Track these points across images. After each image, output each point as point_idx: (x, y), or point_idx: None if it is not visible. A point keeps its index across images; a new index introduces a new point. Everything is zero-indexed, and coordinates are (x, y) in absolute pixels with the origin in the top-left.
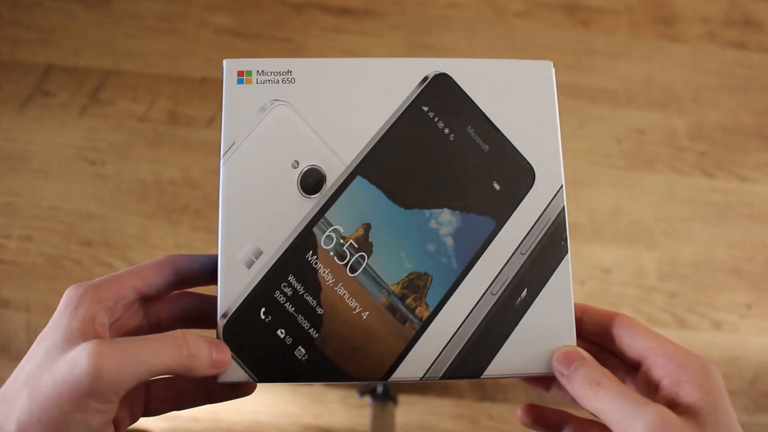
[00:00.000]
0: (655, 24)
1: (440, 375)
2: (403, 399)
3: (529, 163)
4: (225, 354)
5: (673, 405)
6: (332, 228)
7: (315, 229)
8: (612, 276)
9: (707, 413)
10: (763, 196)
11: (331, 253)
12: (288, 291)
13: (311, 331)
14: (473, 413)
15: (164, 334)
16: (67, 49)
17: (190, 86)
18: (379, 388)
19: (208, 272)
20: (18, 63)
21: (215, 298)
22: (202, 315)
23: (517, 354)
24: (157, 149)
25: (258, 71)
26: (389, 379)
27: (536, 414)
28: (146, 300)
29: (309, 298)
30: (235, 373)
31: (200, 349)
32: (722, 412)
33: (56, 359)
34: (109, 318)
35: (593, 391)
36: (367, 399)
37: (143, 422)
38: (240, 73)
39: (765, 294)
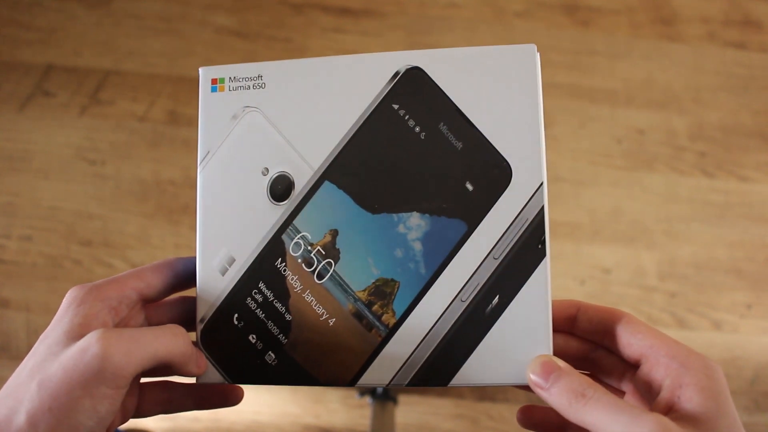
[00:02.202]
0: (655, 24)
1: (407, 382)
2: (403, 399)
3: (505, 160)
4: (201, 358)
5: (674, 409)
6: (300, 235)
7: (284, 237)
8: (612, 276)
9: (709, 419)
10: (763, 196)
11: (299, 260)
12: (258, 298)
13: (280, 336)
14: (473, 413)
15: (164, 326)
16: (67, 49)
17: (190, 86)
18: (379, 389)
19: None
20: (18, 63)
21: None
22: None
23: (488, 363)
24: (157, 149)
25: (230, 78)
26: (356, 384)
27: (536, 416)
28: (147, 302)
29: (278, 305)
30: (212, 374)
31: (192, 347)
32: (724, 418)
33: (62, 351)
34: (112, 318)
35: (580, 404)
36: (367, 399)
37: (143, 422)
38: (213, 81)
39: (765, 294)
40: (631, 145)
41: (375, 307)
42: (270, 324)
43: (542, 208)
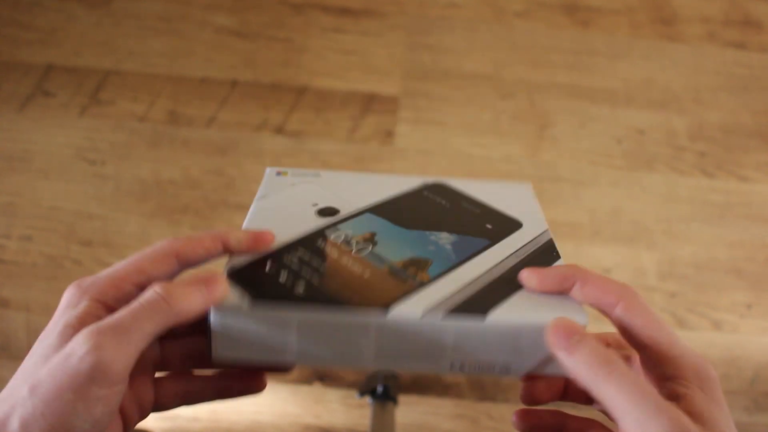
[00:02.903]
0: (655, 24)
1: (441, 316)
2: (403, 399)
3: (517, 219)
4: (218, 283)
5: (679, 406)
6: (342, 230)
7: (326, 231)
8: (612, 276)
9: (710, 419)
10: (763, 196)
11: (339, 242)
12: (294, 258)
13: (313, 279)
14: (473, 413)
15: (142, 296)
16: (67, 49)
17: (190, 86)
18: (379, 388)
19: (212, 256)
20: (18, 63)
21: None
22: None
23: (527, 303)
24: (157, 149)
25: (293, 172)
26: (387, 316)
27: (532, 418)
28: None
29: (315, 262)
30: (230, 298)
31: (184, 293)
32: (725, 419)
33: (54, 354)
34: (109, 315)
35: (606, 372)
36: (367, 399)
37: (143, 422)
38: (279, 172)
39: (765, 294)
40: (631, 145)
41: (410, 270)
42: (303, 270)
43: (551, 239)
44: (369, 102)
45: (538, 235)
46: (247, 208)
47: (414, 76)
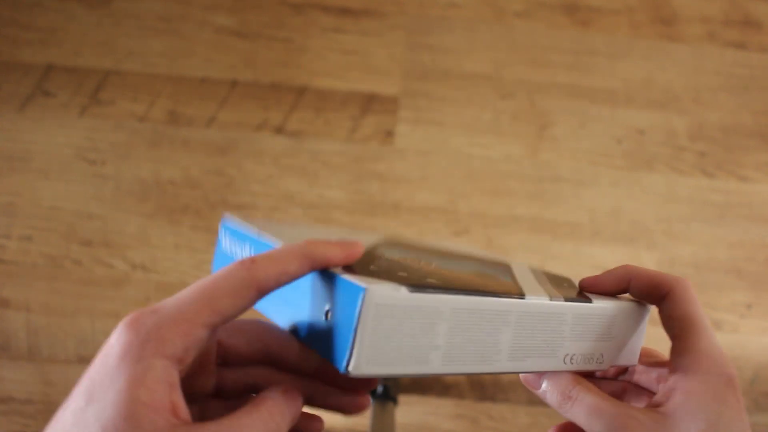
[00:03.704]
0: (655, 24)
1: (563, 300)
2: (403, 399)
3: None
4: (356, 244)
5: (661, 407)
6: (383, 252)
7: (370, 251)
8: None
9: (687, 417)
10: (763, 196)
11: (398, 257)
12: (383, 263)
13: (426, 278)
14: (473, 413)
15: (252, 405)
16: (67, 49)
17: (190, 86)
18: (379, 388)
19: (297, 278)
20: (18, 63)
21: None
22: (281, 351)
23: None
24: (157, 149)
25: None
26: (525, 299)
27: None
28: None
29: (405, 269)
30: (383, 287)
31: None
32: (720, 421)
33: None
34: (178, 377)
35: (568, 405)
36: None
37: None
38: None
39: (765, 294)
40: (631, 145)
41: (496, 274)
42: (409, 271)
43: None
44: (369, 102)
45: (532, 268)
46: (248, 208)
47: (414, 76)
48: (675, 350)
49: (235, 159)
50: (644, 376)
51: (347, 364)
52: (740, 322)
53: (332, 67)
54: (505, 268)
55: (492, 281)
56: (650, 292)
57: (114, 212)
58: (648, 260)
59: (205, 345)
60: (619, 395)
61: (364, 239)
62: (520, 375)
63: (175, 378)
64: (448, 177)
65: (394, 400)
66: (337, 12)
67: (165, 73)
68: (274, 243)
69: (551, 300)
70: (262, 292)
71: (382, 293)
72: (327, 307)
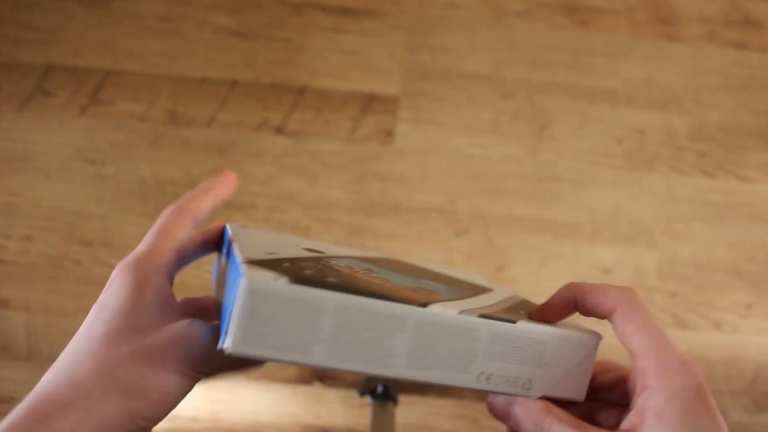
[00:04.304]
0: (655, 24)
1: (477, 315)
2: (403, 399)
3: (485, 285)
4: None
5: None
6: (338, 262)
7: (323, 259)
8: (612, 276)
9: None
10: (763, 196)
11: (342, 265)
12: (309, 264)
13: (341, 279)
14: (473, 413)
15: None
16: (67, 49)
17: (190, 86)
18: (379, 388)
19: (215, 206)
20: (18, 63)
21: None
22: None
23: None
24: (157, 149)
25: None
26: (427, 309)
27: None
28: None
29: (332, 272)
30: (264, 274)
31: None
32: None
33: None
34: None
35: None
36: (367, 399)
37: None
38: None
39: (765, 294)
40: (631, 145)
41: (427, 290)
42: (327, 272)
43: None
44: (369, 102)
45: (512, 296)
46: (248, 208)
47: (414, 76)
48: (637, 367)
49: (235, 159)
50: (610, 394)
51: (224, 342)
52: (740, 322)
53: (332, 67)
54: (468, 289)
55: (411, 292)
56: (597, 309)
57: (114, 212)
58: (648, 260)
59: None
60: (591, 416)
61: (349, 254)
62: (488, 405)
63: (166, 286)
64: (448, 177)
65: (394, 400)
66: (337, 12)
67: (165, 73)
68: (238, 255)
69: (459, 314)
70: (193, 219)
71: (260, 280)
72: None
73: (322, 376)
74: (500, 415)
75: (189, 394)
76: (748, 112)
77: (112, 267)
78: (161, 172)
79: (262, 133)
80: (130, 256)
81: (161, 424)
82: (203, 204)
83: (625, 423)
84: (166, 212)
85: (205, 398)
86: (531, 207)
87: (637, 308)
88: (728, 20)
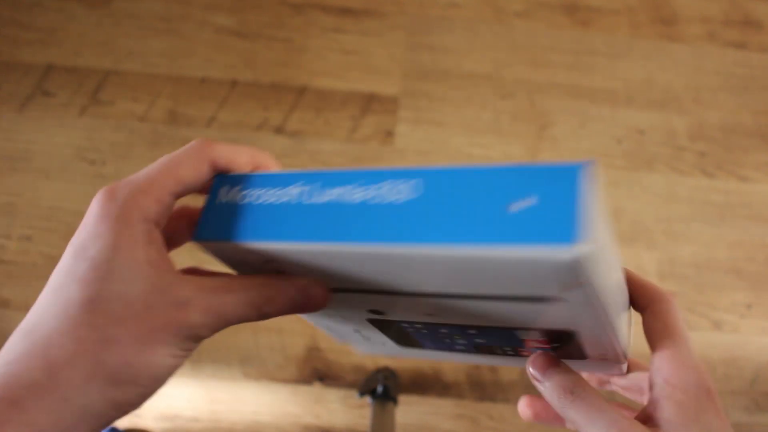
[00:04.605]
0: (655, 24)
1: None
2: (403, 399)
3: None
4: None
5: (652, 421)
6: None
7: None
8: None
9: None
10: (763, 196)
11: None
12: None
13: None
14: (473, 413)
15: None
16: (67, 49)
17: (191, 86)
18: (379, 388)
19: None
20: (18, 63)
21: None
22: None
23: None
24: (157, 149)
25: None
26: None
27: (538, 405)
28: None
29: None
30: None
31: (280, 307)
32: None
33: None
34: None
35: (568, 401)
36: (367, 399)
37: (143, 422)
38: None
39: (765, 294)
40: (631, 145)
41: None
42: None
43: None
44: (369, 102)
45: None
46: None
47: (414, 76)
48: (656, 360)
49: None
50: (623, 382)
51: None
52: (740, 322)
53: (332, 67)
54: None
55: None
56: (635, 299)
57: None
58: (648, 260)
59: (169, 213)
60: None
61: None
62: (527, 367)
63: (158, 237)
64: None
65: (394, 400)
66: (337, 12)
67: (165, 73)
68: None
69: None
70: (214, 168)
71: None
72: None
73: (322, 376)
74: (535, 377)
75: (189, 394)
76: (748, 112)
77: None
78: None
79: (262, 133)
80: (121, 187)
81: (161, 424)
82: (238, 158)
83: (641, 412)
84: (189, 145)
85: (205, 398)
86: None
87: (672, 310)
88: (728, 20)
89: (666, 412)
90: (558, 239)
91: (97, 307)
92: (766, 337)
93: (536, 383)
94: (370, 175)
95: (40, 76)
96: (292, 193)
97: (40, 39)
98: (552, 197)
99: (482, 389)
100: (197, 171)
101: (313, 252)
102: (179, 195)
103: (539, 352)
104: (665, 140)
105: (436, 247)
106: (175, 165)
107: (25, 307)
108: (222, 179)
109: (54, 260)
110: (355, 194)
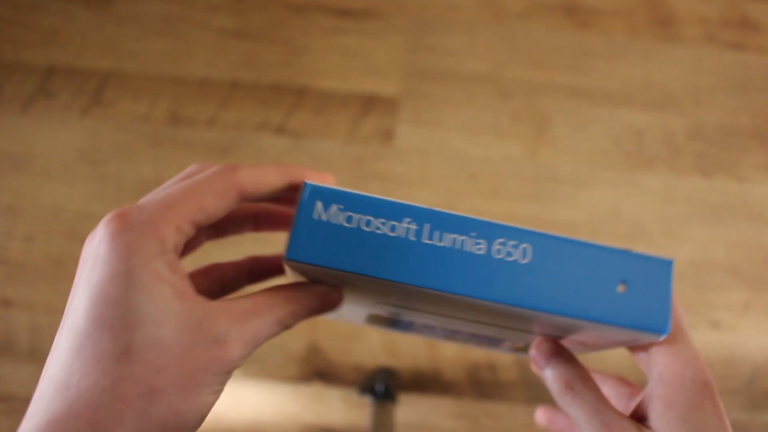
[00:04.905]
0: (653, 25)
1: None
2: (403, 398)
3: None
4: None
5: (645, 420)
6: None
7: None
8: None
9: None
10: (761, 196)
11: None
12: None
13: None
14: (473, 413)
15: (271, 289)
16: (69, 50)
17: (192, 87)
18: (379, 387)
19: (277, 194)
20: (20, 64)
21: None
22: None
23: None
24: (158, 150)
25: None
26: None
27: (555, 420)
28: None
29: None
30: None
31: (302, 314)
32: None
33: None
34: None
35: (568, 396)
36: (367, 398)
37: None
38: None
39: (762, 293)
40: (629, 146)
41: None
42: None
43: None
44: (369, 102)
45: None
46: None
47: (414, 76)
48: (653, 352)
49: (236, 159)
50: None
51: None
52: (738, 322)
53: (333, 68)
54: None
55: None
56: None
57: None
58: None
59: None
60: None
61: None
62: (531, 350)
63: (183, 269)
64: (448, 177)
65: (394, 400)
66: (337, 13)
67: (166, 74)
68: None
69: None
70: (243, 197)
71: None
72: None
73: (322, 375)
74: (538, 364)
75: None
76: (746, 113)
77: None
78: (162, 173)
79: (262, 134)
80: (136, 214)
81: None
82: (267, 179)
83: (634, 409)
84: (212, 170)
85: None
86: (530, 207)
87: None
88: (726, 22)
89: (656, 412)
90: (655, 330)
91: (134, 357)
92: (764, 336)
93: (538, 370)
94: (483, 226)
95: (42, 77)
96: (403, 227)
97: (42, 40)
98: (652, 287)
99: (482, 388)
100: (222, 200)
101: (422, 292)
102: (200, 224)
103: (545, 338)
104: (663, 141)
105: (559, 314)
106: (199, 192)
107: (28, 307)
108: (316, 192)
109: (56, 261)
110: (472, 245)
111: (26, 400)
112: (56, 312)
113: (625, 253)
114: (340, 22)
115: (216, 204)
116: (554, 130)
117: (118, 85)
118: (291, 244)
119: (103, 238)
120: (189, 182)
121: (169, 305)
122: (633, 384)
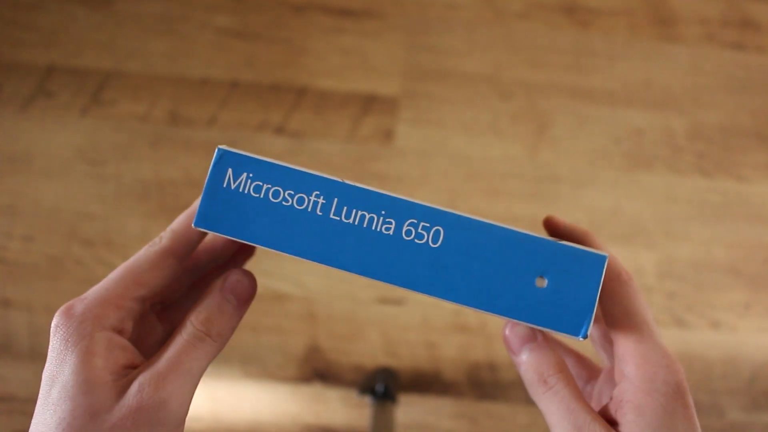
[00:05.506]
0: (653, 25)
1: None
2: (403, 399)
3: None
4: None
5: (616, 422)
6: None
7: None
8: None
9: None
10: (762, 196)
11: None
12: None
13: None
14: (473, 413)
15: (184, 332)
16: (68, 50)
17: (191, 87)
18: (379, 388)
19: (226, 251)
20: (19, 64)
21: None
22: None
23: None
24: (158, 150)
25: None
26: None
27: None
28: (160, 303)
29: None
30: None
31: (223, 320)
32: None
33: (108, 406)
34: (122, 346)
35: (541, 390)
36: (367, 398)
37: None
38: None
39: (763, 294)
40: (629, 146)
41: None
42: None
43: None
44: (369, 102)
45: None
46: None
47: (414, 76)
48: (618, 354)
49: None
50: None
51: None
52: (738, 322)
53: (332, 68)
54: None
55: None
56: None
57: (115, 212)
58: (646, 260)
59: (143, 311)
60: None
61: None
62: (504, 331)
63: (120, 340)
64: (448, 177)
65: (394, 400)
66: (337, 13)
67: (166, 74)
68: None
69: None
70: (180, 257)
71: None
72: None
73: (322, 375)
74: (512, 349)
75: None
76: (746, 113)
77: (113, 267)
78: (162, 173)
79: (262, 134)
80: (77, 304)
81: None
82: (192, 236)
83: (605, 412)
84: (150, 244)
85: (206, 397)
86: (530, 207)
87: (631, 290)
88: (726, 21)
89: (627, 419)
90: (570, 332)
91: (74, 426)
92: (764, 336)
93: (510, 354)
94: (394, 204)
95: (42, 77)
96: (310, 200)
97: (42, 40)
98: (577, 284)
99: (482, 389)
100: (160, 269)
101: (323, 266)
102: (146, 298)
103: (514, 325)
104: (664, 140)
105: (466, 305)
106: (133, 269)
107: (27, 307)
108: (228, 158)
109: (55, 260)
110: (381, 225)
111: (25, 400)
112: (56, 312)
113: (550, 244)
114: (340, 22)
115: (155, 275)
116: (554, 130)
117: (117, 85)
118: (199, 212)
119: (51, 331)
120: (127, 262)
121: (103, 380)
122: (592, 364)
